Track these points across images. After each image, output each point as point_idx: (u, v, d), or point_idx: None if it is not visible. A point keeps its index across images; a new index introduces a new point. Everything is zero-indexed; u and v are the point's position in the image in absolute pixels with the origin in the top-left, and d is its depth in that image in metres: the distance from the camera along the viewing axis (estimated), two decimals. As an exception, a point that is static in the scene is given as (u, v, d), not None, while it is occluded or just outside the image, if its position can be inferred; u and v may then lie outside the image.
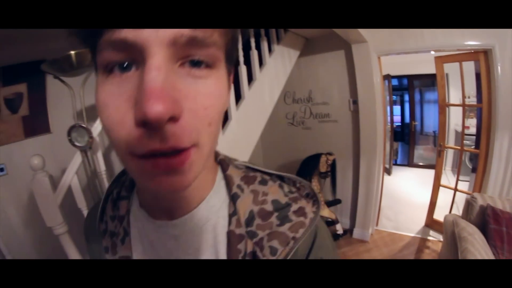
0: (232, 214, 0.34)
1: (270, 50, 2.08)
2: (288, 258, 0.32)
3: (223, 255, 0.34)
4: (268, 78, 2.01)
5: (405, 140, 4.66)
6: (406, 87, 4.56)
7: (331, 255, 0.38)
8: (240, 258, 0.33)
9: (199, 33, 0.22)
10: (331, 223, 2.49)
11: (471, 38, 1.95)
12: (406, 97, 4.64)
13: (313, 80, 2.45)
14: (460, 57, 2.14)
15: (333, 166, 2.32)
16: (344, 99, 2.44)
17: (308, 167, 2.14)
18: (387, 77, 3.72)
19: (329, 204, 2.46)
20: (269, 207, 0.35)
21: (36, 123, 1.95)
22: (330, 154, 2.28)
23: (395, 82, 4.45)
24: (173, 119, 0.21)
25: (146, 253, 0.37)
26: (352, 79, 2.33)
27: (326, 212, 2.36)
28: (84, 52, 1.32)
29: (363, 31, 2.06)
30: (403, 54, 2.34)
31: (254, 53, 1.93)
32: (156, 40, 0.21)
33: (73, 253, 1.16)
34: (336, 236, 2.50)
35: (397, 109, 4.76)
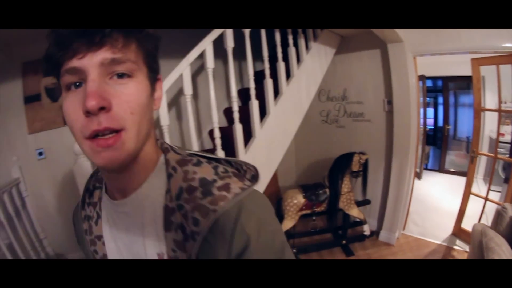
0: (167, 191, 0.40)
1: (307, 47, 2.08)
2: (209, 228, 0.36)
3: (160, 227, 0.40)
4: (305, 75, 2.01)
5: (437, 145, 4.46)
6: (440, 89, 4.35)
7: (261, 234, 0.38)
8: (173, 229, 0.39)
9: (117, 55, 0.34)
10: (359, 223, 2.46)
11: (510, 40, 1.84)
12: (440, 100, 4.43)
13: (348, 78, 2.42)
14: (497, 60, 2.02)
15: (365, 166, 2.29)
16: (378, 99, 2.38)
17: (341, 165, 2.12)
18: (422, 78, 3.58)
19: (359, 204, 2.43)
20: (195, 183, 0.39)
21: None
22: (363, 153, 2.25)
23: (429, 83, 4.27)
24: (104, 109, 0.33)
25: (112, 231, 0.46)
26: (387, 78, 2.28)
27: (355, 211, 2.33)
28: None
29: (399, 31, 2.01)
30: (438, 54, 2.24)
31: (292, 50, 1.94)
32: (92, 64, 0.33)
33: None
34: (362, 237, 2.46)
35: (430, 111, 4.56)
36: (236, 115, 1.54)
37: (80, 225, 0.52)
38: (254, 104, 1.61)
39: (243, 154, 1.52)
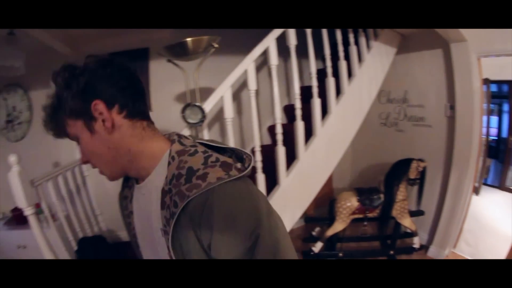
0: (166, 177, 0.48)
1: (368, 46, 2.00)
2: (182, 210, 0.43)
3: (158, 206, 0.48)
4: (366, 75, 1.94)
5: (500, 158, 4.01)
6: (506, 95, 3.90)
7: (227, 225, 0.42)
8: (165, 208, 0.46)
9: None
10: (409, 234, 2.31)
11: None
12: (505, 107, 3.97)
13: (409, 79, 2.28)
14: None
15: (422, 174, 2.14)
16: (440, 103, 2.21)
17: (398, 171, 2.01)
18: (486, 82, 3.23)
19: (412, 214, 2.28)
20: (183, 171, 0.46)
21: None
22: (421, 160, 2.11)
23: (493, 88, 3.85)
24: None
25: (136, 208, 0.59)
26: (450, 81, 2.09)
27: (407, 221, 2.19)
28: (199, 40, 1.45)
29: (463, 29, 1.83)
30: (504, 55, 2.00)
31: (353, 49, 1.88)
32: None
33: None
34: (410, 250, 2.31)
35: (494, 120, 4.11)
36: (298, 112, 1.54)
37: (121, 202, 0.67)
38: (316, 102, 1.60)
39: (303, 152, 1.51)
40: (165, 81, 2.25)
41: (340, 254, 1.98)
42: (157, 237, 0.52)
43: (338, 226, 1.90)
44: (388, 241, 2.26)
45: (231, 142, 1.36)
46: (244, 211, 0.44)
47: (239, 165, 0.49)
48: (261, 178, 1.41)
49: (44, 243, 1.50)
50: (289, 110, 2.24)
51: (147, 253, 0.63)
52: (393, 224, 2.14)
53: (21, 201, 1.36)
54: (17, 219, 2.33)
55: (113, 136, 0.50)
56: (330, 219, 1.97)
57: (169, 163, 0.50)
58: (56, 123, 0.52)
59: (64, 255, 1.75)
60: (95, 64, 0.50)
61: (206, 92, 1.50)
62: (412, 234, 2.26)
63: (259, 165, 1.40)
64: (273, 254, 0.45)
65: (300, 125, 1.51)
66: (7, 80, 2.20)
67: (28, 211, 1.40)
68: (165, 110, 2.27)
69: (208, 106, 1.32)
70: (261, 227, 0.43)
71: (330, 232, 1.90)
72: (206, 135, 1.39)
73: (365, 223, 1.96)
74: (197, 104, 1.22)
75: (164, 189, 0.48)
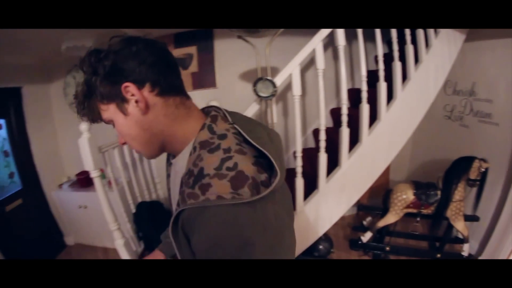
0: (186, 167, 0.48)
1: (435, 30, 1.86)
2: (176, 214, 0.44)
3: (178, 181, 0.50)
4: (433, 61, 1.81)
5: None
6: None
7: (204, 251, 0.40)
8: (180, 195, 0.46)
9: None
10: (459, 240, 2.15)
11: None
12: None
13: (478, 70, 2.09)
14: None
15: (484, 175, 1.97)
16: (510, 99, 2.00)
17: (458, 169, 1.87)
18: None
19: (466, 218, 2.12)
20: (196, 170, 0.44)
21: (204, 79, 2.30)
22: (484, 160, 1.94)
23: None
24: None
25: (170, 182, 0.64)
26: None
27: (460, 225, 2.04)
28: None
29: None
30: None
31: (420, 33, 1.76)
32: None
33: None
34: (458, 257, 2.15)
35: None
36: (364, 95, 1.47)
37: (167, 168, 0.70)
38: (382, 86, 1.53)
39: (366, 135, 1.46)
40: (230, 59, 2.31)
41: (387, 248, 1.90)
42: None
43: (390, 218, 1.82)
44: (437, 243, 2.13)
45: (297, 120, 1.36)
46: (231, 250, 0.38)
47: (263, 176, 0.42)
48: (323, 157, 1.40)
49: (106, 204, 1.60)
50: (351, 94, 2.17)
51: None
52: (445, 226, 2.01)
53: (89, 165, 1.47)
54: (81, 182, 2.55)
55: (147, 117, 0.49)
56: (383, 210, 1.89)
57: (190, 153, 0.48)
58: (90, 110, 0.52)
59: (122, 216, 1.87)
60: (119, 44, 0.48)
61: (273, 71, 1.50)
62: (463, 240, 2.11)
63: (322, 144, 1.39)
64: None
65: (365, 108, 1.46)
66: (77, 61, 2.37)
67: (95, 174, 1.51)
68: (229, 87, 2.35)
69: (278, 82, 1.32)
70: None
71: (381, 223, 1.83)
72: (274, 112, 1.39)
73: (418, 219, 1.86)
74: (269, 78, 1.22)
75: (183, 178, 0.48)
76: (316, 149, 1.48)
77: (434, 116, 2.19)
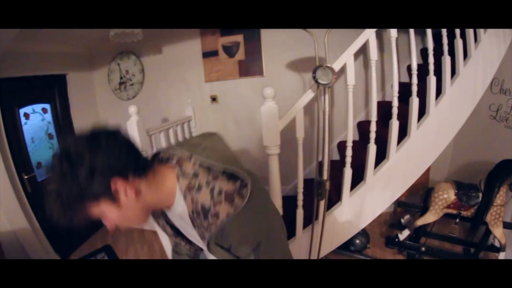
0: (188, 208, 0.60)
1: (485, 26, 1.79)
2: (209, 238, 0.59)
3: (191, 226, 0.63)
4: (482, 57, 1.74)
5: None
6: None
7: (236, 243, 0.58)
8: (196, 228, 0.62)
9: None
10: (496, 248, 2.05)
11: None
12: None
13: (527, 69, 1.99)
14: None
15: (529, 180, 1.87)
16: None
17: (502, 172, 1.79)
18: None
19: (505, 225, 2.02)
20: (199, 208, 0.58)
21: (251, 67, 2.34)
22: (530, 165, 1.84)
23: None
24: None
25: (177, 225, 0.72)
26: None
27: (499, 232, 1.94)
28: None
29: None
30: None
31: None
32: None
33: (275, 171, 1.31)
34: None
35: None
36: (414, 88, 1.44)
37: (163, 228, 0.81)
38: (432, 80, 1.49)
39: (415, 129, 1.43)
40: (277, 48, 2.35)
41: (423, 249, 1.85)
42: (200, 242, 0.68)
43: (430, 217, 1.77)
44: (472, 249, 2.05)
45: (350, 111, 1.38)
46: (250, 234, 0.58)
47: (237, 184, 0.57)
48: (373, 149, 1.40)
49: None
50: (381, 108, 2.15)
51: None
52: (482, 232, 1.93)
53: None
54: None
55: (139, 199, 0.55)
56: (423, 209, 1.85)
57: (185, 197, 0.59)
58: (74, 212, 0.50)
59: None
60: (88, 143, 0.49)
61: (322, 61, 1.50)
62: (499, 249, 2.01)
63: (372, 135, 1.39)
64: (270, 257, 0.61)
65: (415, 101, 1.43)
66: (122, 48, 2.53)
67: None
68: (276, 76, 2.39)
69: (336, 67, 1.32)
70: (262, 243, 0.58)
71: (420, 222, 1.78)
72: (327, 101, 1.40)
73: (457, 220, 1.80)
74: (329, 65, 1.22)
75: (190, 216, 0.61)
76: (361, 141, 1.47)
77: (479, 115, 2.10)
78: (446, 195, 1.75)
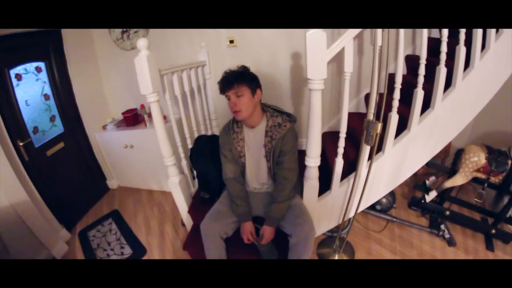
0: (266, 125, 1.37)
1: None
2: (282, 135, 1.34)
3: (262, 141, 1.39)
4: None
5: None
6: None
7: (292, 142, 1.35)
8: (266, 142, 1.37)
9: (238, 92, 1.29)
10: None
11: None
12: None
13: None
14: None
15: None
16: None
17: None
18: None
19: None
20: (276, 124, 1.34)
21: None
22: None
23: None
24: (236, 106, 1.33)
25: (247, 141, 1.43)
26: None
27: None
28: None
29: None
30: None
31: None
32: (231, 93, 1.31)
33: (317, 111, 1.20)
34: (510, 238, 2.06)
35: None
36: (462, 36, 1.35)
37: (232, 139, 1.46)
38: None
39: (460, 80, 1.34)
40: None
41: (447, 213, 1.83)
42: (261, 157, 1.41)
43: (458, 180, 1.73)
44: (489, 219, 2.05)
45: (346, 99, 1.36)
46: (295, 137, 1.36)
47: (292, 117, 1.37)
48: (420, 94, 1.31)
49: (162, 134, 1.51)
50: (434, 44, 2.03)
51: (250, 165, 1.46)
52: (506, 203, 1.91)
53: (147, 86, 1.33)
54: (127, 120, 2.49)
55: (256, 100, 1.31)
56: (451, 171, 1.81)
57: (267, 120, 1.35)
58: (238, 83, 1.26)
59: (179, 151, 1.82)
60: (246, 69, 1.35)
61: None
62: None
63: (421, 79, 1.28)
64: (295, 158, 1.37)
65: (462, 51, 1.33)
66: None
67: (152, 98, 1.38)
68: None
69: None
70: (295, 146, 1.36)
71: (448, 183, 1.75)
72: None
73: (485, 186, 1.77)
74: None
75: (266, 130, 1.35)
76: (409, 75, 1.35)
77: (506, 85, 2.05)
78: (477, 157, 1.71)
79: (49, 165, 2.18)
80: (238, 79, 1.25)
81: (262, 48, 2.13)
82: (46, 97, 2.21)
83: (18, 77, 1.96)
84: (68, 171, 2.38)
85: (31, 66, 2.08)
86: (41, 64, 2.16)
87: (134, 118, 2.49)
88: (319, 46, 1.06)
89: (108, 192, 2.85)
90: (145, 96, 1.37)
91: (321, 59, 1.09)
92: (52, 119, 2.25)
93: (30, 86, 2.07)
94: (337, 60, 2.13)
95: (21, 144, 1.92)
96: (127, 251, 2.02)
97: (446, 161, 2.32)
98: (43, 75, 2.18)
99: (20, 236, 1.79)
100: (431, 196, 1.79)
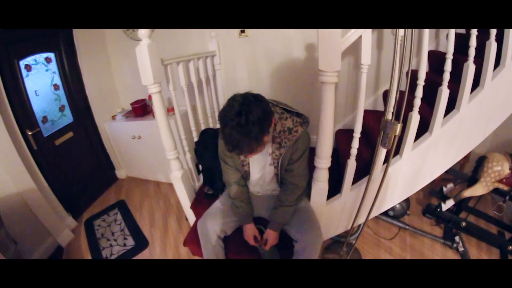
0: (275, 130, 1.16)
1: None
2: (293, 142, 1.16)
3: (270, 147, 1.21)
4: None
5: None
6: None
7: (304, 149, 1.20)
8: (274, 148, 1.19)
9: (260, 150, 1.06)
10: None
11: None
12: None
13: None
14: None
15: None
16: None
17: None
18: None
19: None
20: (285, 128, 1.15)
21: None
22: None
23: None
24: None
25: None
26: None
27: None
28: None
29: None
30: None
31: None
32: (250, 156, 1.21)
33: (330, 105, 1.10)
34: None
35: None
36: (493, 35, 1.23)
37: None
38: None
39: (489, 80, 1.22)
40: None
41: (463, 224, 1.72)
42: (267, 164, 1.26)
43: (479, 189, 1.61)
44: (506, 233, 1.91)
45: (362, 93, 1.19)
46: (307, 142, 1.20)
47: (303, 119, 1.16)
48: (445, 93, 1.20)
49: (165, 126, 1.45)
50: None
51: (255, 172, 1.31)
52: None
53: (148, 77, 1.27)
54: (136, 111, 2.48)
55: (267, 139, 1.07)
56: (470, 179, 1.69)
57: (275, 124, 1.14)
58: (248, 151, 0.99)
59: (183, 144, 1.78)
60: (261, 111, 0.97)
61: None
62: None
63: (446, 76, 1.17)
64: (304, 164, 1.24)
65: (493, 47, 1.21)
66: None
67: (154, 89, 1.32)
68: None
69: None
70: (306, 152, 1.21)
71: (467, 193, 1.63)
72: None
73: (507, 198, 1.64)
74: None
75: (274, 136, 1.16)
76: (431, 72, 1.24)
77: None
78: (500, 167, 1.58)
79: (57, 154, 2.20)
80: (248, 146, 0.95)
81: (275, 38, 2.05)
82: (56, 87, 2.21)
83: (28, 67, 1.97)
84: (76, 161, 2.40)
85: (40, 57, 2.08)
86: (51, 55, 2.16)
87: (142, 109, 2.47)
88: (333, 34, 0.96)
89: (116, 182, 2.86)
90: (147, 87, 1.31)
91: (335, 48, 0.97)
92: (61, 109, 2.26)
93: (40, 76, 2.08)
94: (354, 52, 2.05)
95: (29, 133, 1.93)
96: (130, 242, 2.01)
97: (465, 168, 2.18)
98: (53, 66, 2.19)
99: (27, 223, 1.81)
100: (448, 204, 1.68)
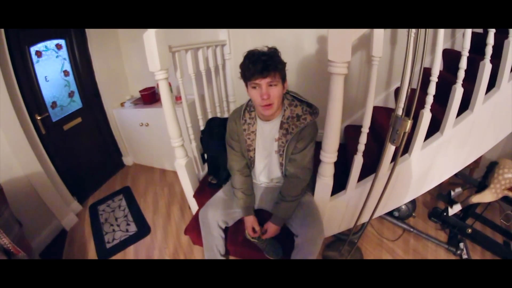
0: (283, 116, 1.21)
1: None
2: (299, 129, 1.18)
3: (277, 132, 1.24)
4: None
5: None
6: None
7: (312, 136, 1.20)
8: (282, 132, 1.22)
9: (272, 81, 1.07)
10: None
11: None
12: None
13: None
14: None
15: None
16: None
17: None
18: None
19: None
20: (295, 115, 1.18)
21: None
22: None
23: None
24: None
25: (260, 135, 1.29)
26: None
27: None
28: None
29: None
30: None
31: None
32: (263, 82, 1.06)
33: (338, 97, 1.08)
34: None
35: None
36: (511, 33, 1.19)
37: (243, 131, 1.30)
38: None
39: (506, 81, 1.18)
40: None
41: (469, 230, 1.68)
42: (272, 152, 1.28)
43: (488, 196, 1.57)
44: None
45: (372, 87, 1.14)
46: (314, 133, 1.21)
47: (313, 108, 1.20)
48: (459, 91, 1.16)
49: (170, 113, 1.46)
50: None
51: (260, 159, 1.33)
52: None
53: (155, 63, 1.28)
54: (144, 98, 2.49)
55: (283, 92, 1.15)
56: (480, 185, 1.65)
57: (284, 110, 1.20)
58: (274, 70, 1.04)
59: (189, 132, 1.78)
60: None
61: None
62: None
63: (461, 73, 1.13)
64: (310, 153, 1.24)
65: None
66: None
67: (160, 76, 1.32)
68: None
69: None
70: (312, 142, 1.22)
71: (476, 199, 1.59)
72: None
73: (516, 206, 1.60)
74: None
75: (282, 121, 1.21)
76: (445, 70, 1.21)
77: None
78: (511, 174, 1.54)
79: (65, 139, 2.23)
80: (273, 65, 1.01)
81: (286, 30, 2.03)
82: (66, 73, 2.24)
83: (39, 54, 2.00)
84: (84, 146, 2.43)
85: (51, 43, 2.11)
86: (62, 42, 2.19)
87: (151, 97, 2.48)
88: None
89: (123, 169, 2.90)
90: (153, 74, 1.32)
91: (345, 38, 0.93)
92: (70, 94, 2.29)
93: (50, 62, 2.11)
94: (366, 47, 2.02)
95: (38, 118, 1.96)
96: (132, 228, 2.03)
97: (475, 173, 2.13)
98: (63, 52, 2.21)
99: (33, 206, 1.85)
100: (455, 209, 1.64)
